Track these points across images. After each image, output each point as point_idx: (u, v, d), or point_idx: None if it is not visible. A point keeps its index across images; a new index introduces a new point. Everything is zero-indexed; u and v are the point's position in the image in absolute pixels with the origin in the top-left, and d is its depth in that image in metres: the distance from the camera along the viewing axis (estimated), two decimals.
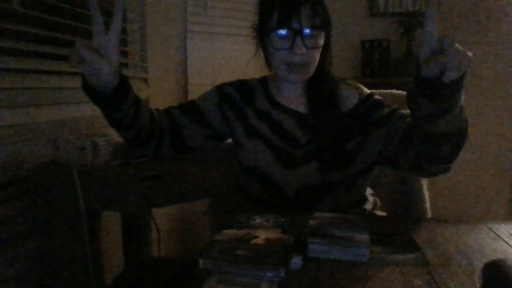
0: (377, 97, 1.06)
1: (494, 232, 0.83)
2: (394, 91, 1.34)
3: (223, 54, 2.34)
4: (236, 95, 1.09)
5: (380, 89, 1.36)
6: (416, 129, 0.85)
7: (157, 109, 1.06)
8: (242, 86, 1.11)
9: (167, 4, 2.10)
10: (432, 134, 0.82)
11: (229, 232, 0.76)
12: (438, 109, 0.75)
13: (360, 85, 1.09)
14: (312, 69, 1.00)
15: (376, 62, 2.69)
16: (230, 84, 1.12)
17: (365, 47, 2.71)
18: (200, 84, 2.27)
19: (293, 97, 1.07)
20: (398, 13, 2.73)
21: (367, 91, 1.08)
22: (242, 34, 2.36)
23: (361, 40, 2.72)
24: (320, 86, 1.05)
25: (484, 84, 2.69)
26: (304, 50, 0.94)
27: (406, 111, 0.95)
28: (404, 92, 1.28)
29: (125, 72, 1.80)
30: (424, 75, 0.72)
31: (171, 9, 2.14)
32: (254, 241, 0.72)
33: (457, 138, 0.82)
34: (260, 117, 1.07)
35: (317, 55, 0.99)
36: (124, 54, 1.83)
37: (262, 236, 0.74)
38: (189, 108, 1.09)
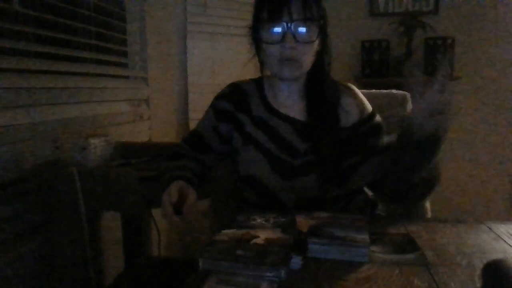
0: (378, 119, 1.04)
1: (494, 232, 0.83)
2: (394, 91, 1.33)
3: (223, 54, 2.33)
4: (230, 107, 1.07)
5: (380, 89, 1.35)
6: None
7: (186, 155, 1.10)
8: (235, 93, 1.09)
9: (167, 4, 2.09)
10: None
11: (229, 232, 0.76)
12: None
13: (361, 97, 1.07)
14: (305, 67, 0.99)
15: (376, 62, 2.69)
16: (223, 95, 1.10)
17: (365, 47, 2.71)
18: (200, 84, 2.27)
19: (290, 102, 1.04)
20: (398, 13, 2.73)
21: (369, 108, 1.05)
22: (242, 34, 2.35)
23: (361, 40, 2.73)
24: (319, 91, 1.03)
25: (484, 84, 2.69)
26: (294, 43, 0.94)
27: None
28: (404, 92, 1.29)
29: (125, 72, 1.80)
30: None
31: (171, 9, 2.13)
32: (254, 241, 0.72)
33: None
34: (256, 124, 1.04)
35: (309, 51, 0.97)
36: (124, 54, 1.83)
37: (262, 236, 0.74)
38: (196, 143, 1.10)
